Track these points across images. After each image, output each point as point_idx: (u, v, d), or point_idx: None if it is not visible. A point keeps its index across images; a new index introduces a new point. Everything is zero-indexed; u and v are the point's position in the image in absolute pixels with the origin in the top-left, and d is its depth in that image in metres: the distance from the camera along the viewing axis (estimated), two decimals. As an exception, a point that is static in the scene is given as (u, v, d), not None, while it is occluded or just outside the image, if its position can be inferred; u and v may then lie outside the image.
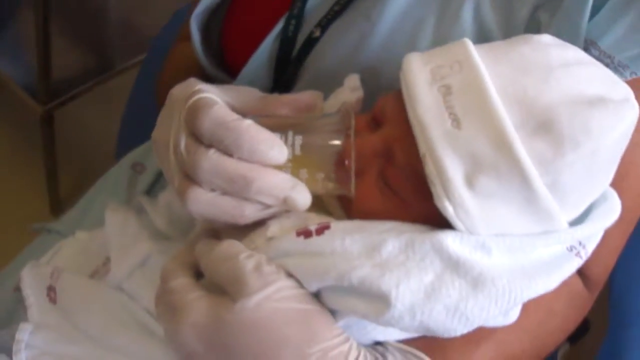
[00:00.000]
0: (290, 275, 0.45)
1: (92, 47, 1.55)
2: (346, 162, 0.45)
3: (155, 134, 0.51)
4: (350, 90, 0.53)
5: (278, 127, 0.46)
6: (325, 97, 0.54)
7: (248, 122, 0.44)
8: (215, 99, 0.46)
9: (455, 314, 0.41)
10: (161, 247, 0.58)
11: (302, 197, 0.45)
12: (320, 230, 0.45)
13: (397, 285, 0.41)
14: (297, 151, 0.45)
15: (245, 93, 0.53)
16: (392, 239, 0.44)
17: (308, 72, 0.60)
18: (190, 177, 0.44)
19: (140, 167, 0.74)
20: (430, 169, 0.43)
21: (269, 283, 0.42)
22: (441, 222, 0.44)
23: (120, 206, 0.65)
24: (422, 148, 0.44)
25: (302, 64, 0.62)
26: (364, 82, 0.54)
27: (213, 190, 0.44)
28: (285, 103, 0.51)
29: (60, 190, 1.52)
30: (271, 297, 0.42)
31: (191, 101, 0.46)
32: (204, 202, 0.45)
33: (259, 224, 0.48)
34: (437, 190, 0.43)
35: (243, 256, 0.44)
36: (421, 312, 0.41)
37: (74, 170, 1.59)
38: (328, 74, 0.58)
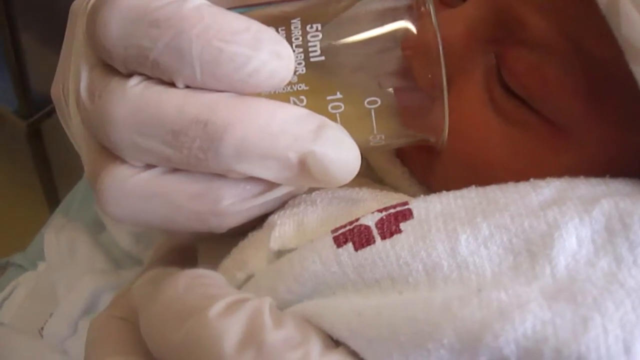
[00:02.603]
0: (330, 342, 0.20)
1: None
2: (424, 66, 0.21)
3: (54, 88, 0.29)
4: None
5: (275, 19, 0.23)
6: None
7: (196, 3, 0.21)
8: None
9: None
10: (118, 278, 0.43)
11: (342, 153, 0.22)
12: (392, 225, 0.21)
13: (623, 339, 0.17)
14: (316, 58, 0.22)
15: None
16: (570, 222, 0.19)
17: None
18: (108, 149, 0.23)
19: None
20: (637, 30, 0.20)
21: None
22: (632, 171, 0.23)
23: (67, 224, 0.49)
24: None
25: None
26: None
27: (150, 165, 0.22)
28: None
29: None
30: None
31: (93, 1, 0.24)
32: (133, 192, 0.22)
33: (255, 227, 0.24)
34: None
35: (217, 310, 0.20)
36: None
37: (75, 183, 1.52)
38: None
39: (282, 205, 0.24)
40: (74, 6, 0.29)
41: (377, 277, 0.20)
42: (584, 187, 0.21)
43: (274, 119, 0.21)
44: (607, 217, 0.19)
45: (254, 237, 0.24)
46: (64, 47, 0.29)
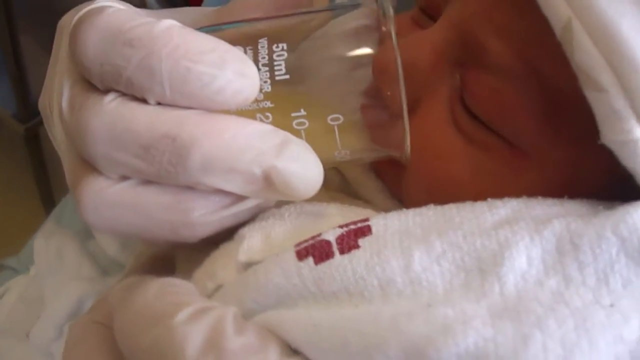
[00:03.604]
0: (289, 350, 0.21)
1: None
2: (386, 85, 0.22)
3: (42, 98, 0.30)
4: None
5: (244, 38, 0.24)
6: None
7: (167, 24, 0.22)
8: (117, 7, 0.24)
9: None
10: (104, 285, 0.42)
11: (304, 168, 0.23)
12: (351, 241, 0.21)
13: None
14: (281, 77, 0.23)
15: (197, 12, 0.31)
16: (521, 242, 0.20)
17: None
18: (86, 160, 0.24)
19: None
20: (588, 58, 0.20)
21: None
22: (589, 191, 0.23)
23: (58, 230, 0.50)
24: (563, 12, 0.20)
25: None
26: None
27: (125, 177, 0.23)
28: (258, 3, 0.28)
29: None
30: None
31: (75, 19, 0.25)
32: (108, 202, 0.23)
33: (227, 238, 0.25)
34: (614, 101, 0.20)
35: (183, 317, 0.21)
36: None
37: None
38: None
39: (253, 217, 0.25)
40: (61, 22, 0.30)
41: (335, 290, 0.21)
42: (539, 207, 0.22)
43: (239, 134, 0.22)
44: (558, 238, 0.20)
45: (225, 248, 0.25)
46: (51, 60, 0.30)
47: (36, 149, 1.34)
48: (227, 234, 0.25)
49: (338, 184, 0.30)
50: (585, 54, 0.20)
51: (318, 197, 0.25)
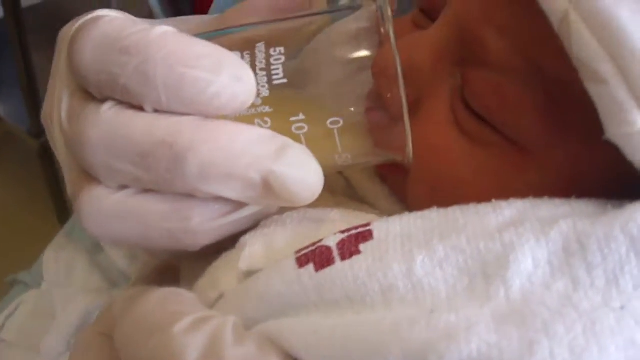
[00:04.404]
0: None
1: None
2: (385, 87, 0.22)
3: (44, 110, 0.30)
4: None
5: (242, 43, 0.23)
6: None
7: (162, 30, 0.22)
8: (114, 15, 0.24)
9: None
10: (112, 296, 0.43)
11: (303, 173, 0.22)
12: (352, 246, 0.21)
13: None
14: (279, 81, 0.22)
15: (197, 20, 0.31)
16: (526, 244, 0.20)
17: None
18: (85, 170, 0.24)
19: None
20: (587, 49, 0.20)
21: None
22: (597, 190, 0.23)
23: (68, 244, 0.49)
24: (561, 4, 0.20)
25: None
26: None
27: (124, 186, 0.23)
28: (257, 8, 0.28)
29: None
30: None
31: (74, 28, 0.25)
32: (108, 211, 0.23)
33: (230, 246, 0.25)
34: (616, 93, 0.20)
35: (182, 326, 0.20)
36: None
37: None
38: None
39: (255, 224, 0.25)
40: (61, 33, 0.30)
41: (336, 298, 0.20)
42: (546, 208, 0.21)
43: (236, 140, 0.21)
44: (565, 238, 0.19)
45: (227, 257, 0.25)
46: (52, 71, 0.30)
47: (50, 163, 1.35)
48: (230, 242, 0.25)
49: (344, 189, 0.30)
50: (584, 45, 0.20)
51: (323, 203, 0.25)
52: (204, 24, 0.30)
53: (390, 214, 0.23)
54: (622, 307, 0.18)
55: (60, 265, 0.47)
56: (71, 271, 0.47)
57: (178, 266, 0.30)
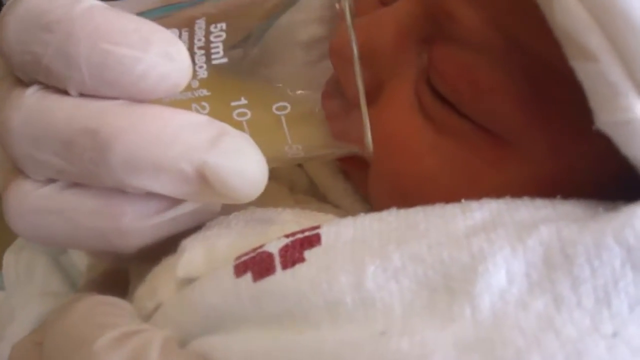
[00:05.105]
0: None
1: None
2: (341, 70, 0.19)
3: None
4: None
5: (184, 20, 0.21)
6: None
7: (88, 4, 0.19)
8: None
9: None
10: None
11: (242, 164, 0.19)
12: (296, 253, 0.18)
13: None
14: (219, 61, 0.19)
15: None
16: (499, 253, 0.16)
17: None
18: (13, 162, 0.21)
19: None
20: (572, 18, 0.16)
21: None
22: (587, 189, 0.19)
23: (28, 244, 0.46)
24: None
25: None
26: None
27: (52, 180, 0.21)
28: None
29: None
30: None
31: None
32: (33, 207, 0.21)
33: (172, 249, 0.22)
34: (607, 72, 0.16)
35: (104, 342, 0.18)
36: None
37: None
38: None
39: (200, 224, 0.22)
40: None
41: (277, 312, 0.17)
42: (524, 209, 0.18)
43: (167, 126, 0.19)
44: (546, 247, 0.16)
45: (166, 262, 0.22)
46: None
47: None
48: (171, 245, 0.22)
49: (305, 187, 0.27)
50: (569, 14, 0.16)
51: (281, 201, 0.22)
52: (153, 4, 0.27)
53: (353, 214, 0.20)
54: (615, 334, 0.15)
55: (20, 267, 0.45)
56: (31, 272, 0.44)
57: (127, 270, 0.28)
